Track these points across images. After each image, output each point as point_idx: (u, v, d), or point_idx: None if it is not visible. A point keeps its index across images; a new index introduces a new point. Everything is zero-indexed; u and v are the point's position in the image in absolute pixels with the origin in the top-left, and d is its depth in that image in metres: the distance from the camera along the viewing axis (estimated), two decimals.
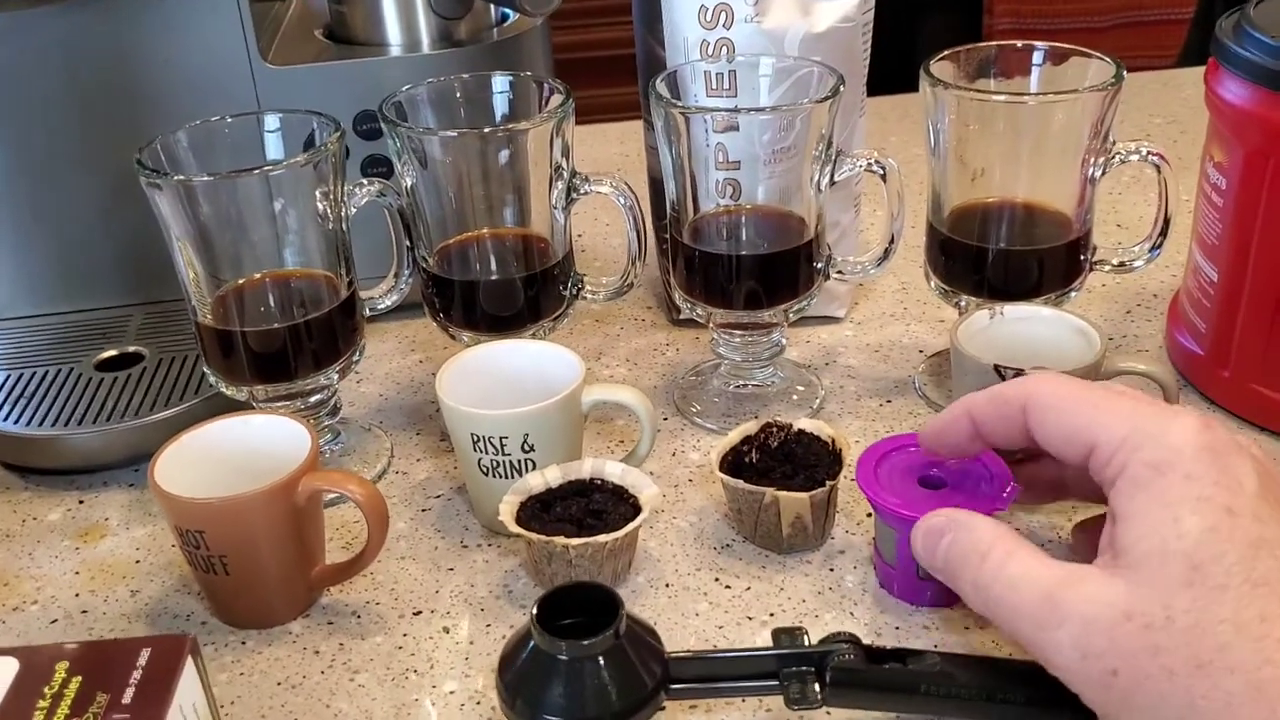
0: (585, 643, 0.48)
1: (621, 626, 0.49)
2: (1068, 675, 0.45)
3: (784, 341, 0.75)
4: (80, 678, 0.45)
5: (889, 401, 0.76)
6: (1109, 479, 0.47)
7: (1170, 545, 0.44)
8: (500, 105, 0.73)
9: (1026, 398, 0.51)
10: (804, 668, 0.51)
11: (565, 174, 0.70)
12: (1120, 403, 0.48)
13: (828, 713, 0.53)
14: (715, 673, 0.52)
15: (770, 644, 0.52)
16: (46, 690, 0.44)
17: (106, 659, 0.46)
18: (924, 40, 2.09)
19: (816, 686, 0.50)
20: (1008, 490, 0.57)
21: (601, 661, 0.49)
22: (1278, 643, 0.41)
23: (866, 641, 0.52)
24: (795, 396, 0.77)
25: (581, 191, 0.70)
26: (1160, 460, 0.45)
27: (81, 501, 0.71)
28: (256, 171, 0.63)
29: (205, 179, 0.62)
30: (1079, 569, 0.46)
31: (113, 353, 0.79)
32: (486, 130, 0.68)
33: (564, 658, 0.49)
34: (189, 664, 0.46)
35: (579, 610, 0.51)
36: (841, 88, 0.67)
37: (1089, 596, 0.44)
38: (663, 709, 0.53)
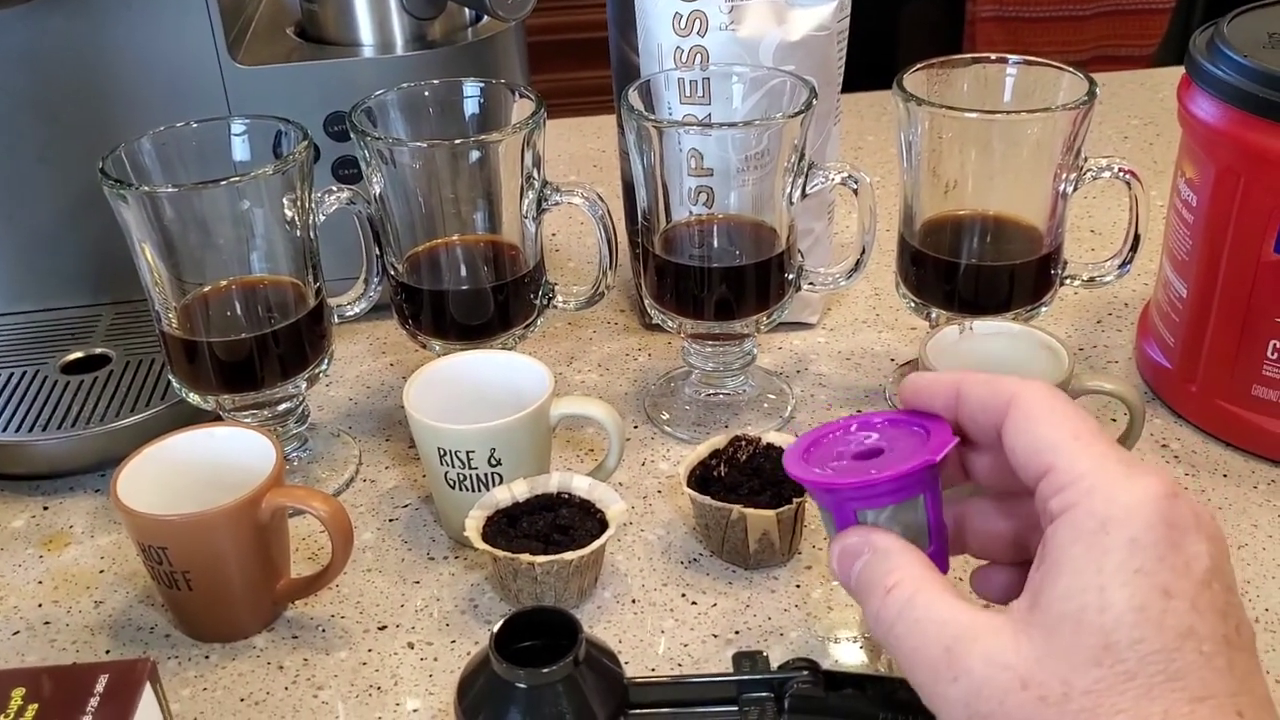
0: (544, 670, 0.48)
1: (581, 653, 0.49)
2: None
3: (755, 351, 0.75)
4: (37, 705, 0.45)
5: (859, 410, 0.76)
6: (1052, 513, 0.43)
7: (1089, 615, 0.40)
8: (471, 111, 0.73)
9: (1014, 395, 0.46)
10: (763, 694, 0.51)
11: (536, 184, 0.70)
12: (1096, 441, 0.44)
13: None
14: (675, 698, 0.52)
15: (730, 669, 0.52)
16: (3, 717, 0.44)
17: (64, 685, 0.46)
18: (905, 28, 2.09)
19: (775, 712, 0.50)
20: (947, 448, 0.53)
21: (560, 689, 0.49)
22: None
23: (829, 662, 0.52)
24: (766, 405, 0.77)
25: (553, 202, 0.70)
26: (1108, 515, 0.41)
27: (46, 508, 0.71)
28: (223, 182, 0.62)
29: (170, 190, 0.62)
30: (987, 619, 0.42)
31: (80, 355, 0.78)
32: (457, 141, 0.68)
33: (522, 685, 0.49)
34: (147, 690, 0.46)
35: (540, 632, 0.51)
36: (814, 101, 0.67)
37: (989, 656, 0.41)
38: None
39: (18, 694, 0.45)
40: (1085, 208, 0.98)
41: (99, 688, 0.46)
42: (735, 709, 0.51)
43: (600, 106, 1.12)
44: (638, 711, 0.51)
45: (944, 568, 0.54)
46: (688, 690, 0.52)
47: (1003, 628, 0.42)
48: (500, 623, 0.50)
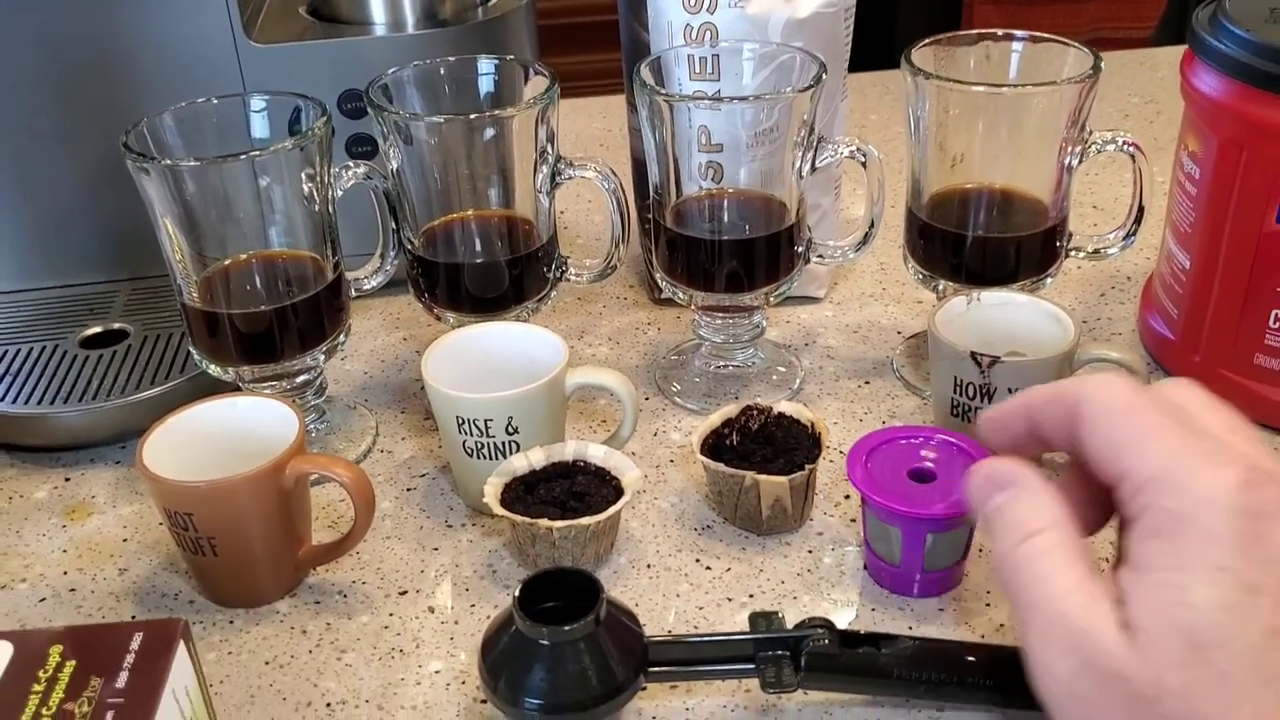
0: (566, 628, 0.50)
1: (602, 612, 0.51)
2: (1048, 697, 0.42)
3: (765, 324, 0.76)
4: (74, 662, 0.46)
5: (867, 383, 0.77)
6: (1130, 517, 0.42)
7: (1173, 614, 0.39)
8: (485, 88, 0.73)
9: (1080, 400, 0.46)
10: (779, 652, 0.52)
11: (550, 158, 0.71)
12: (1168, 434, 0.42)
13: (804, 693, 0.55)
14: (693, 656, 0.53)
15: (747, 628, 0.54)
16: (41, 674, 0.45)
17: (99, 643, 0.47)
18: (905, 12, 2.10)
19: (791, 670, 0.52)
20: None
21: (582, 646, 0.50)
22: None
23: (842, 624, 0.53)
24: (775, 377, 0.78)
25: (566, 176, 0.71)
26: (1183, 512, 0.40)
27: (68, 479, 0.72)
28: (243, 156, 0.63)
29: (192, 163, 0.63)
30: (1103, 605, 0.41)
31: (98, 329, 0.79)
32: (472, 116, 0.69)
33: (545, 643, 0.50)
34: (181, 648, 0.47)
35: (561, 594, 0.52)
36: (824, 76, 0.68)
37: (1100, 642, 0.40)
38: (644, 689, 0.54)
39: (55, 651, 0.46)
40: (1088, 184, 0.99)
41: (134, 645, 0.47)
42: (752, 666, 0.52)
43: (608, 89, 1.13)
44: (657, 669, 0.52)
45: (960, 576, 0.58)
46: (705, 649, 0.53)
47: (1109, 613, 0.41)
48: (523, 582, 0.52)
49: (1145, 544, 0.41)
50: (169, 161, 0.63)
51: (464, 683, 0.57)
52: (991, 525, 0.46)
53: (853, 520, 0.66)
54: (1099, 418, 0.45)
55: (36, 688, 0.45)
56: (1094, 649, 0.40)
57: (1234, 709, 0.37)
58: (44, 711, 0.44)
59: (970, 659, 0.53)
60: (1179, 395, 0.46)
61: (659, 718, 0.54)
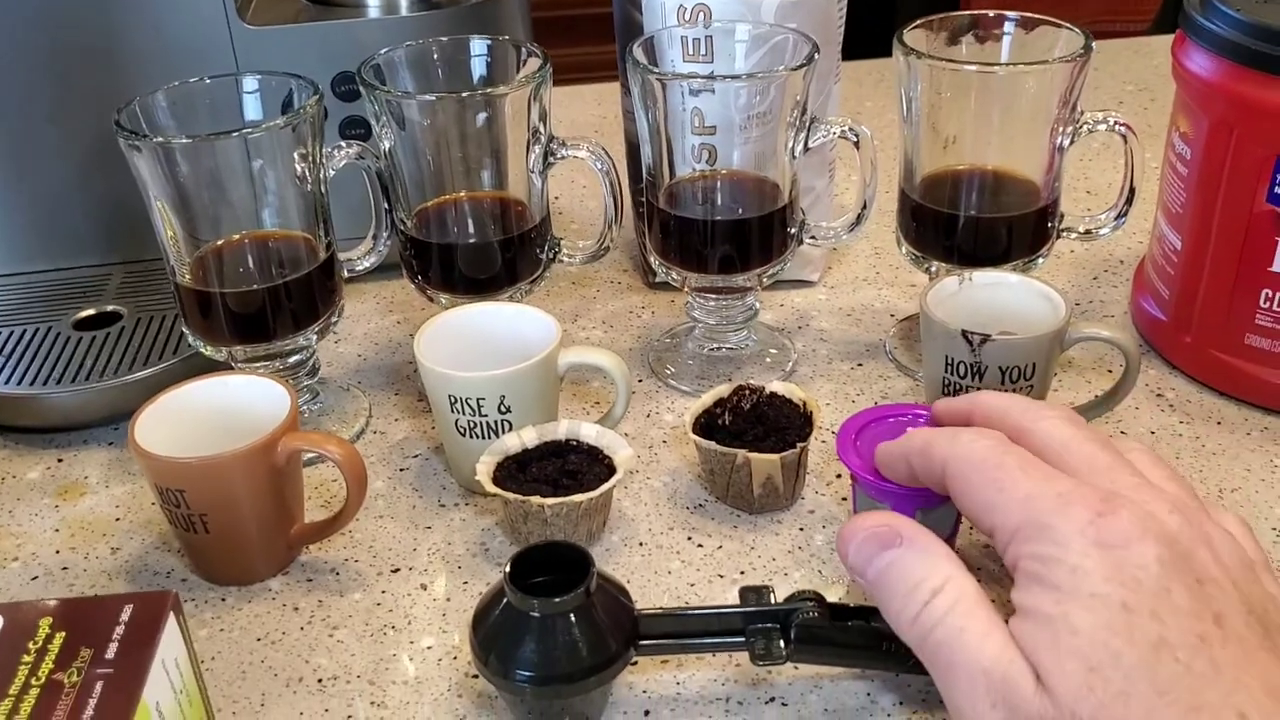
0: (556, 600, 0.50)
1: (592, 584, 0.51)
2: None
3: (758, 305, 0.77)
4: (64, 633, 0.46)
5: (860, 365, 0.77)
6: (1010, 568, 0.45)
7: (1065, 646, 0.41)
8: (478, 69, 0.73)
9: (945, 461, 0.48)
10: (769, 625, 0.52)
11: (543, 138, 0.71)
12: (1023, 483, 0.45)
13: (794, 666, 0.55)
14: (684, 629, 0.53)
15: (738, 602, 0.54)
16: (30, 645, 0.45)
17: (89, 615, 0.47)
18: (903, 1, 2.10)
19: (782, 643, 0.52)
20: None
21: (572, 618, 0.50)
22: None
23: (833, 599, 0.53)
24: (768, 359, 0.78)
25: (559, 156, 0.71)
26: (1048, 555, 0.43)
27: (60, 460, 0.72)
28: (235, 134, 0.63)
29: (184, 141, 0.63)
30: (1013, 648, 0.43)
31: (91, 312, 0.79)
32: (464, 94, 0.69)
33: (536, 615, 0.50)
34: (171, 620, 0.47)
35: (551, 568, 0.52)
36: (816, 55, 0.68)
37: (1019, 688, 0.41)
38: (634, 664, 0.54)
39: (45, 623, 0.46)
40: (1081, 170, 0.99)
41: (124, 617, 0.47)
42: (742, 640, 0.52)
43: (602, 81, 1.13)
44: (648, 642, 0.52)
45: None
46: (696, 622, 0.53)
47: (1026, 673, 0.42)
48: (514, 555, 0.52)
49: (1026, 592, 0.43)
50: (161, 139, 0.63)
51: (455, 658, 0.57)
52: (880, 588, 0.47)
53: (844, 499, 0.66)
54: (962, 478, 0.47)
55: (26, 659, 0.45)
56: (1018, 698, 0.42)
57: None
58: (33, 682, 0.44)
59: None
60: (1042, 432, 0.48)
61: (650, 692, 0.54)
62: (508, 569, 0.51)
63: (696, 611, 0.54)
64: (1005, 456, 0.47)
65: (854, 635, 0.52)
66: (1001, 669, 0.42)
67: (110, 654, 0.45)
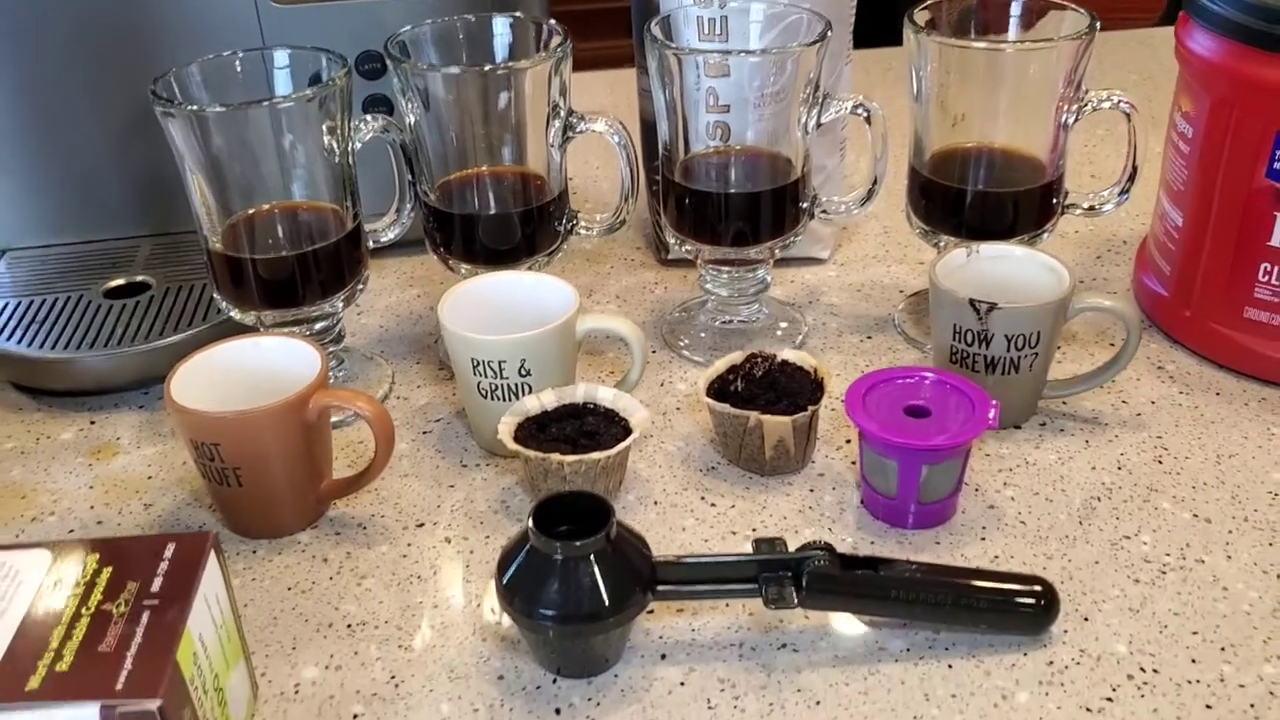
0: (578, 544, 0.52)
1: (613, 531, 0.53)
2: None
3: (769, 279, 0.79)
4: (110, 568, 0.48)
5: (869, 338, 0.80)
6: None
7: None
8: (500, 45, 0.76)
9: None
10: (782, 573, 0.55)
11: (562, 113, 0.73)
12: None
13: (805, 616, 0.57)
14: (699, 576, 0.55)
15: (751, 552, 0.56)
16: (79, 579, 0.48)
17: (134, 552, 0.49)
18: None
19: (794, 590, 0.54)
20: (991, 413, 0.61)
21: (593, 562, 0.52)
22: None
23: (842, 552, 0.55)
24: (779, 332, 0.80)
25: (578, 130, 0.73)
26: None
27: (93, 422, 0.74)
28: (266, 103, 0.65)
29: (217, 109, 0.65)
30: None
31: (121, 281, 0.81)
32: (487, 68, 0.71)
33: (559, 558, 0.52)
34: (212, 557, 0.49)
35: (572, 519, 0.54)
36: (829, 33, 0.70)
37: None
38: (650, 612, 0.56)
39: (91, 559, 0.49)
40: (1086, 155, 1.01)
41: (167, 554, 0.49)
42: (756, 586, 0.54)
43: (615, 70, 1.15)
44: (665, 588, 0.55)
45: (954, 509, 0.61)
46: (711, 569, 0.55)
47: None
48: (537, 503, 0.54)
49: None
50: (194, 107, 0.65)
51: (479, 605, 0.59)
52: None
53: (853, 463, 0.68)
54: None
55: (76, 590, 0.47)
56: None
57: None
58: (83, 611, 0.46)
59: (966, 582, 0.55)
60: None
61: (666, 638, 0.57)
62: (531, 516, 0.53)
63: (712, 559, 0.56)
64: None
65: (863, 583, 0.55)
66: None
67: (155, 587, 0.47)
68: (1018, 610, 0.55)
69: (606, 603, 0.52)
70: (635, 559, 0.54)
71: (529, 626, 0.53)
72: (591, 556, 0.52)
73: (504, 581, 0.53)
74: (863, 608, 0.56)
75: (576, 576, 0.52)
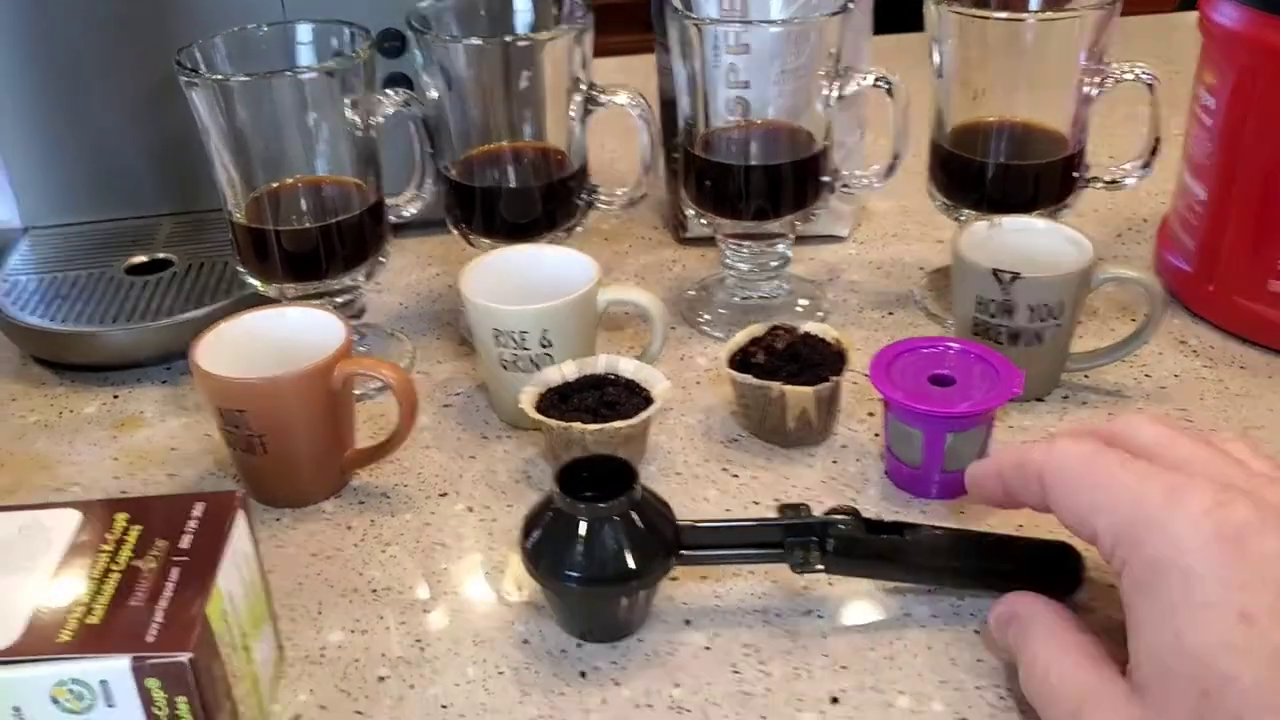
0: (603, 505, 0.52)
1: (638, 494, 0.53)
2: None
3: (790, 254, 0.79)
4: (140, 527, 0.48)
5: (891, 313, 0.79)
6: (1115, 573, 0.42)
7: (1173, 666, 0.38)
8: (521, 20, 0.76)
9: (1041, 471, 0.46)
10: (808, 537, 0.54)
11: (583, 86, 0.73)
12: (1125, 484, 0.42)
13: (830, 582, 0.57)
14: (723, 540, 0.55)
15: (776, 516, 0.56)
16: (109, 536, 0.48)
17: (163, 511, 0.49)
18: None
19: (819, 554, 0.54)
20: (1018, 381, 0.60)
21: (618, 523, 0.52)
22: None
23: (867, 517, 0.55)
24: (800, 308, 0.80)
25: (599, 103, 0.73)
26: (1160, 558, 0.39)
27: (116, 396, 0.74)
28: (289, 74, 0.66)
29: (241, 79, 0.65)
30: (1108, 683, 0.42)
31: (142, 258, 0.82)
32: (509, 39, 0.71)
33: (584, 519, 0.52)
34: (240, 516, 0.50)
35: (596, 484, 0.54)
36: (851, 4, 0.70)
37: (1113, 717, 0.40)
38: (674, 578, 0.56)
39: (121, 518, 0.49)
40: (1104, 137, 1.01)
41: (196, 513, 0.49)
42: (781, 550, 0.54)
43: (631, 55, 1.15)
44: (689, 552, 0.55)
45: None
46: (735, 533, 0.55)
47: (1118, 691, 0.41)
48: (561, 466, 0.54)
49: (1133, 600, 0.41)
50: (218, 77, 0.65)
51: (503, 572, 0.59)
52: (1014, 654, 0.49)
53: (876, 435, 0.68)
54: (1059, 487, 0.45)
55: (105, 548, 0.47)
56: None
57: None
58: (113, 567, 0.46)
59: (993, 547, 0.55)
60: (1139, 434, 0.46)
61: (691, 604, 0.57)
62: (556, 479, 0.53)
63: (737, 523, 0.56)
64: (1105, 455, 0.44)
65: (889, 547, 0.54)
66: (1088, 710, 0.42)
67: (185, 544, 0.47)
68: (1043, 576, 0.55)
69: (632, 565, 0.52)
70: (660, 522, 0.54)
71: (554, 589, 0.53)
72: (617, 518, 0.52)
73: (529, 545, 0.53)
74: (888, 573, 0.56)
75: (601, 538, 0.52)
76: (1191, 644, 0.37)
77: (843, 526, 0.54)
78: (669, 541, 0.54)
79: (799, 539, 0.54)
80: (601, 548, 0.52)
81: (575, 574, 0.52)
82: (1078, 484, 0.44)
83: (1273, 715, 0.36)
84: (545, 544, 0.53)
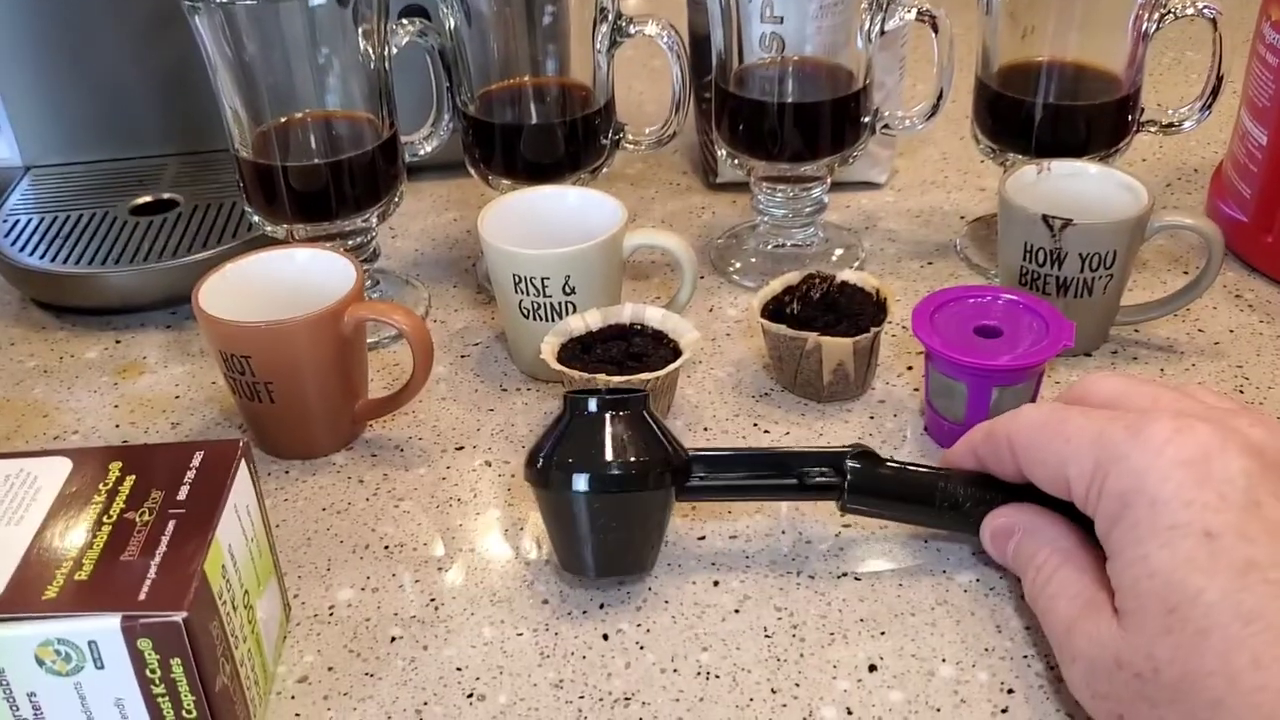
0: (613, 398, 0.49)
1: (649, 402, 0.50)
2: (1086, 706, 0.43)
3: (826, 199, 0.75)
4: (134, 476, 0.45)
5: (930, 263, 0.76)
6: (1090, 515, 0.44)
7: (1142, 587, 0.39)
8: None
9: (1009, 437, 0.47)
10: (823, 467, 0.51)
11: (610, 15, 0.69)
12: (1089, 426, 0.43)
13: (844, 527, 0.54)
14: (734, 466, 0.52)
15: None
16: (101, 486, 0.45)
17: (160, 460, 0.46)
18: None
19: (837, 485, 0.51)
20: (1070, 334, 0.57)
21: (628, 427, 0.49)
22: (1278, 695, 0.35)
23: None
24: (835, 257, 0.76)
25: (627, 33, 0.69)
26: (1127, 490, 0.41)
27: (119, 341, 0.71)
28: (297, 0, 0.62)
29: (246, 3, 0.61)
30: (1100, 601, 0.43)
31: (148, 199, 0.78)
32: None
33: (593, 412, 0.49)
34: (243, 467, 0.46)
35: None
36: None
37: (1093, 637, 0.42)
38: (700, 535, 0.53)
39: (115, 467, 0.46)
40: (1152, 83, 0.96)
41: (195, 463, 0.46)
42: (795, 481, 0.51)
43: None
44: (702, 481, 0.51)
45: None
46: (748, 462, 0.52)
47: (1105, 611, 0.42)
48: (572, 391, 0.51)
49: (1110, 533, 0.42)
50: (222, 1, 0.61)
51: (521, 529, 0.56)
52: (1016, 571, 0.50)
53: (915, 389, 0.64)
54: (1028, 449, 0.46)
55: (97, 499, 0.44)
56: (1093, 644, 0.42)
57: (1229, 658, 0.36)
58: (105, 520, 0.43)
59: (1008, 491, 0.51)
60: (1100, 388, 0.47)
61: (719, 564, 0.53)
62: (567, 393, 0.50)
63: (748, 451, 0.53)
64: (1068, 410, 0.45)
65: (910, 483, 0.51)
66: (1082, 623, 0.43)
67: (182, 495, 0.44)
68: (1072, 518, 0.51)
69: (639, 469, 0.48)
70: (671, 442, 0.50)
71: (559, 502, 0.49)
72: (626, 423, 0.49)
73: (536, 460, 0.49)
74: (909, 514, 0.52)
75: (610, 439, 0.49)
76: (1158, 564, 0.39)
77: (859, 457, 0.51)
78: (680, 462, 0.50)
79: (814, 469, 0.51)
80: (610, 448, 0.49)
81: (583, 476, 0.48)
82: (1046, 442, 0.45)
83: (1239, 626, 0.37)
84: (551, 454, 0.49)
